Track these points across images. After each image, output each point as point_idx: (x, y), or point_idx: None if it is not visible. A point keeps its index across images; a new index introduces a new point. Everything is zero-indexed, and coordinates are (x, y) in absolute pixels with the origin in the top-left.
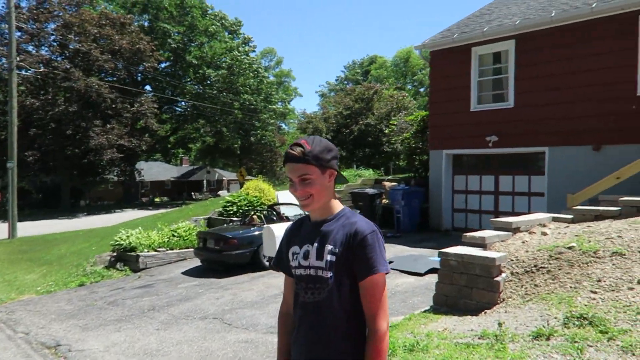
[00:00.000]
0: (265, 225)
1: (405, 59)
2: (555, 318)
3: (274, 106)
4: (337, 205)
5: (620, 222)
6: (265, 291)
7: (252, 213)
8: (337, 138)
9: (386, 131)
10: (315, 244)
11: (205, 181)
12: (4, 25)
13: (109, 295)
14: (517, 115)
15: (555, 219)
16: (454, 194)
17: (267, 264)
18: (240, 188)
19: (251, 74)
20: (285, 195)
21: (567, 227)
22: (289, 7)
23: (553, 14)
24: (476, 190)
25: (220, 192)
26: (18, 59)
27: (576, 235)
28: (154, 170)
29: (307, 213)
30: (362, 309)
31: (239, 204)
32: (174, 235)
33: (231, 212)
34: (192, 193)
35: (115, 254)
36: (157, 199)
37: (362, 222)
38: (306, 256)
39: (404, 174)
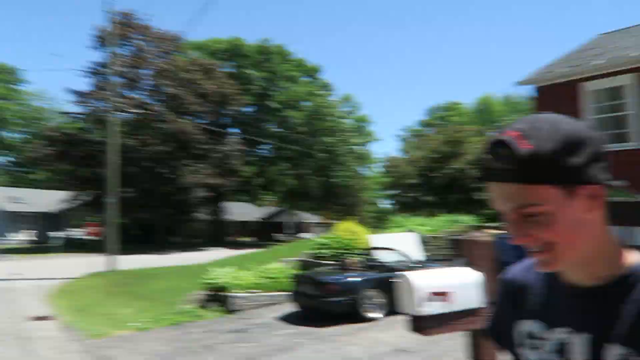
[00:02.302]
0: (403, 274)
1: (485, 105)
2: None
3: (352, 149)
4: (623, 255)
5: None
6: (373, 347)
7: (350, 257)
8: (426, 183)
9: None
10: (585, 335)
11: (287, 223)
12: (107, 71)
13: (203, 338)
14: None
15: None
16: None
17: (368, 315)
18: (323, 231)
19: (330, 118)
20: (380, 240)
21: None
22: (367, 53)
23: None
24: None
25: (301, 234)
26: (118, 102)
27: None
28: (240, 211)
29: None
30: None
31: (331, 246)
32: (265, 277)
33: (323, 254)
34: (275, 234)
35: (207, 293)
36: (242, 239)
37: None
38: (561, 350)
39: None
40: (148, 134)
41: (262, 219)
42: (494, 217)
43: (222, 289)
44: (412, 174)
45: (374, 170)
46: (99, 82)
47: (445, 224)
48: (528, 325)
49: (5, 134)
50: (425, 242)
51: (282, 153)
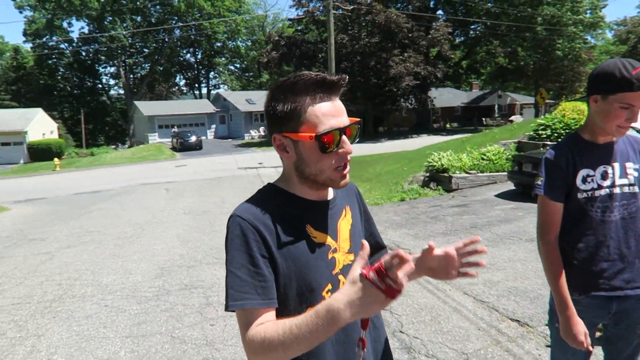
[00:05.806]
0: None
1: None
2: None
3: (580, 16)
4: None
5: None
6: None
7: None
8: None
9: None
10: (616, 164)
11: (496, 106)
12: None
13: (429, 211)
14: None
15: None
16: None
17: None
18: (539, 112)
19: None
20: None
21: None
22: None
23: None
24: None
25: (512, 117)
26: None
27: None
28: (444, 97)
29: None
30: None
31: (553, 127)
32: (483, 159)
33: (544, 136)
34: (483, 119)
35: (428, 174)
36: (447, 125)
37: None
38: (604, 176)
39: None
40: (358, 28)
41: (468, 103)
42: None
43: (443, 170)
44: None
45: (603, 38)
46: None
47: None
48: (583, 172)
49: (237, 43)
50: None
51: (496, 30)
